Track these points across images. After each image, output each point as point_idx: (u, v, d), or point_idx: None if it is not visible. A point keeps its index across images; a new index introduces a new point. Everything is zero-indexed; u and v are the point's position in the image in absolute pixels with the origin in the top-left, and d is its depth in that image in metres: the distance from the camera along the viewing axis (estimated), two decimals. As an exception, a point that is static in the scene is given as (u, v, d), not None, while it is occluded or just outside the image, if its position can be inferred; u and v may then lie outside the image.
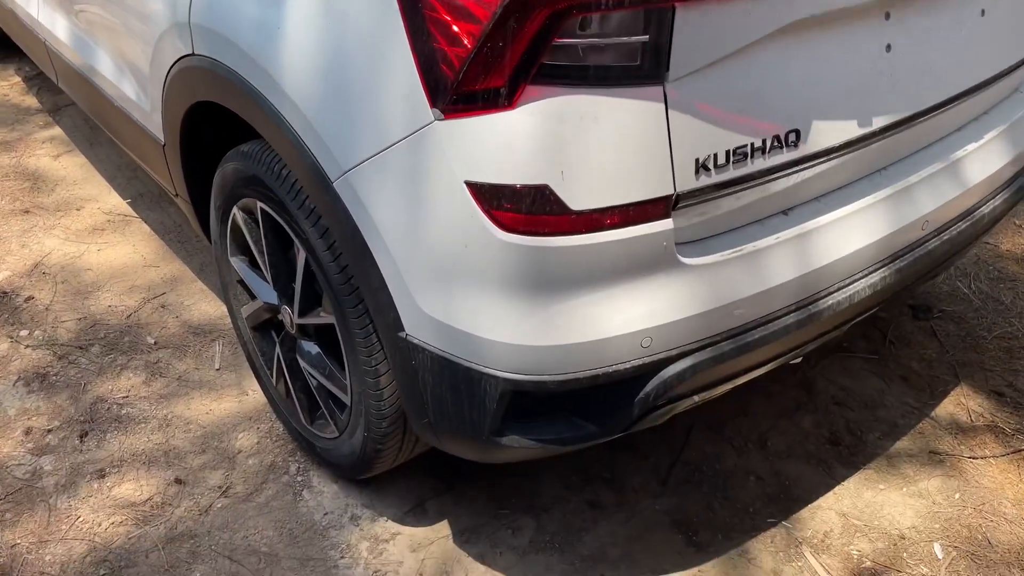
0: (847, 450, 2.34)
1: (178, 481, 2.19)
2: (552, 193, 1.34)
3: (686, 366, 1.56)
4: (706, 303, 1.54)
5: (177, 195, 2.38)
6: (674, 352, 1.54)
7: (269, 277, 2.05)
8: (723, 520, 2.14)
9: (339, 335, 1.82)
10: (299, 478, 2.21)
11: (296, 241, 1.82)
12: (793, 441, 2.36)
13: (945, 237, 1.90)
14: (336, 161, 1.52)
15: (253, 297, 2.19)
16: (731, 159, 1.45)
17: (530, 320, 1.44)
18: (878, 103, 1.62)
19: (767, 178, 1.53)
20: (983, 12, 1.77)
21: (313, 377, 2.05)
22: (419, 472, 2.22)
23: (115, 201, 3.25)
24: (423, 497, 2.17)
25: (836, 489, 2.23)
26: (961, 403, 2.50)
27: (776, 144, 1.50)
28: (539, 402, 1.60)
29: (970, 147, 1.93)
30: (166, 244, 3.03)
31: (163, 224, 3.13)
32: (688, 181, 1.42)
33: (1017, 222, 3.29)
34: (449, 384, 1.56)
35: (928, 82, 1.70)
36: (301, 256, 1.84)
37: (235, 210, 2.05)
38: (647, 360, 1.53)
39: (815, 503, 2.19)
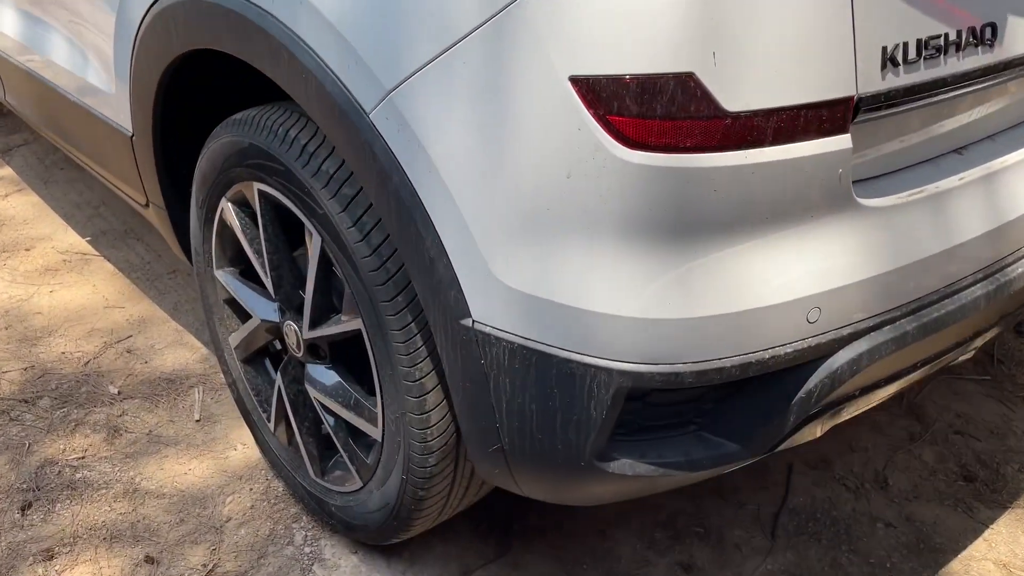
0: (985, 487, 1.89)
1: (149, 560, 1.68)
2: (699, 86, 0.93)
3: (861, 351, 1.13)
4: (888, 261, 1.12)
5: (148, 204, 1.94)
6: (847, 331, 1.12)
7: (270, 284, 1.59)
8: (857, 579, 1.67)
9: (368, 344, 1.36)
10: (307, 549, 1.71)
11: (308, 224, 1.38)
12: (918, 479, 1.91)
13: None
14: (377, 81, 1.09)
15: (245, 319, 1.73)
16: (923, 53, 1.06)
17: (659, 281, 1.01)
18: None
19: (957, 88, 1.14)
20: None
21: (328, 412, 1.58)
22: (460, 534, 1.74)
23: (72, 240, 2.78)
24: (469, 567, 1.68)
25: (985, 535, 1.78)
26: (1103, 425, 2.08)
27: (972, 39, 1.11)
28: (659, 411, 1.15)
29: None
30: (132, 283, 2.57)
31: (129, 262, 2.67)
32: (872, 80, 1.02)
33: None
34: (537, 388, 1.11)
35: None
36: (315, 243, 1.39)
37: (223, 204, 1.61)
38: (813, 342, 1.10)
39: (965, 553, 1.73)
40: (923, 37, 1.05)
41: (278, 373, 1.68)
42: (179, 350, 2.29)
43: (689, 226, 1.00)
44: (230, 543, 1.72)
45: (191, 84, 1.64)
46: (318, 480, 1.67)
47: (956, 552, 1.73)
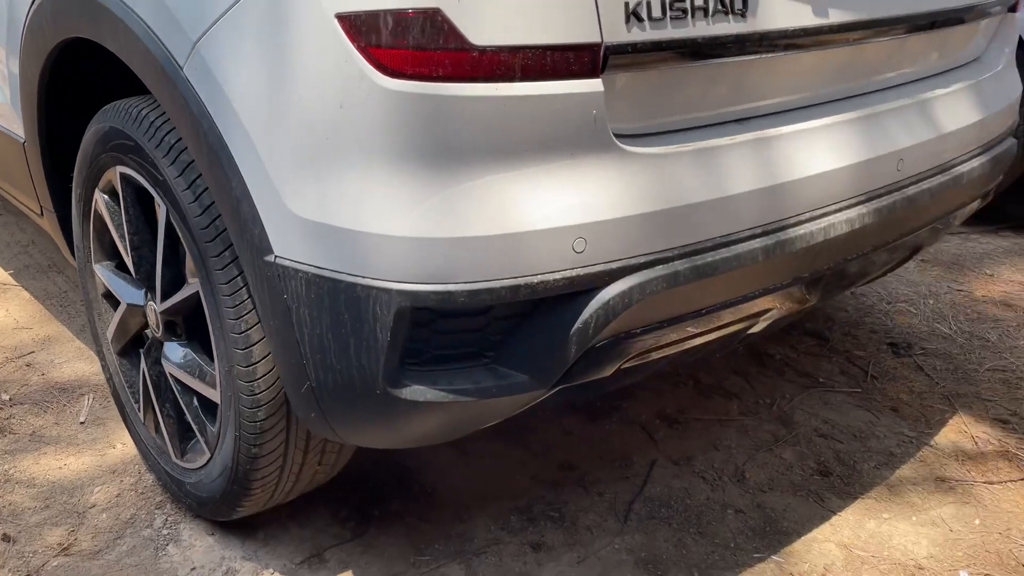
0: (840, 480, 1.95)
1: (5, 538, 1.70)
2: (446, 20, 1.06)
3: (632, 284, 1.22)
4: (653, 202, 1.23)
5: (42, 212, 2.05)
6: (616, 265, 1.22)
7: (131, 264, 1.69)
8: (700, 557, 1.71)
9: (204, 304, 1.45)
10: (165, 531, 1.74)
11: (155, 195, 1.49)
12: (775, 473, 1.97)
13: (925, 186, 1.64)
14: (185, 34, 1.23)
15: (117, 306, 1.82)
16: (668, 12, 1.20)
17: (427, 202, 1.12)
18: (833, -6, 1.40)
19: (714, 55, 1.27)
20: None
21: (182, 387, 1.65)
22: (317, 518, 1.78)
23: (-4, 273, 2.88)
24: (322, 546, 1.71)
25: (833, 520, 1.83)
26: (963, 431, 2.15)
27: (720, 7, 1.25)
28: (448, 339, 1.24)
29: (938, 92, 1.72)
30: (46, 308, 2.65)
31: (46, 291, 2.75)
32: (617, 30, 1.16)
33: (988, 272, 3.08)
34: (331, 316, 1.20)
35: (885, -12, 1.50)
36: (161, 213, 1.50)
37: (96, 196, 1.72)
38: (582, 272, 1.19)
39: (809, 535, 1.78)
40: (667, -2, 1.19)
41: (142, 356, 1.75)
42: (78, 363, 2.35)
43: (451, 151, 1.11)
44: (90, 526, 1.75)
45: (73, 85, 1.78)
46: (178, 462, 1.72)
47: (801, 535, 1.78)
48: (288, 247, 1.21)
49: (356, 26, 1.07)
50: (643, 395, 2.26)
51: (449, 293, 1.14)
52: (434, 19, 1.06)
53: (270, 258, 1.23)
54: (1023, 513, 1.86)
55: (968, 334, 2.64)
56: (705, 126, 1.36)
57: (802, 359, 2.47)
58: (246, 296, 1.36)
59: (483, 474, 1.94)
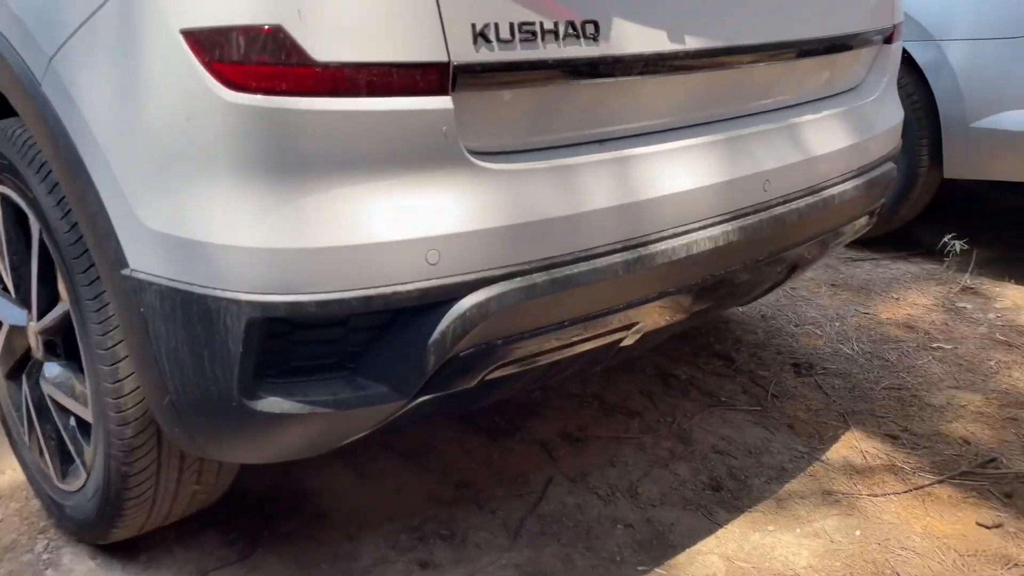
0: (730, 494, 1.99)
1: None
2: (288, 37, 1.09)
3: (489, 296, 1.25)
4: (509, 216, 1.27)
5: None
6: (471, 277, 1.25)
7: (11, 284, 1.68)
8: (584, 571, 1.73)
9: (74, 322, 1.45)
10: (45, 556, 1.71)
11: (29, 214, 1.49)
12: (668, 489, 2.00)
13: (793, 207, 1.70)
14: (41, 50, 1.25)
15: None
16: (517, 35, 1.24)
17: (276, 214, 1.14)
18: (686, 20, 1.46)
19: (567, 75, 1.32)
20: (796, -37, 1.70)
21: (59, 408, 1.64)
22: (204, 541, 1.76)
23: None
24: (206, 568, 1.70)
25: (718, 533, 1.86)
26: (854, 446, 2.21)
27: (571, 32, 1.30)
28: (306, 351, 1.25)
29: (806, 117, 1.79)
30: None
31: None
32: (465, 50, 1.20)
33: (894, 296, 3.18)
34: (185, 329, 1.21)
35: (739, 16, 1.56)
36: (35, 231, 1.50)
37: (-22, 218, 1.71)
38: (437, 283, 1.22)
39: (694, 548, 1.81)
40: (515, 21, 1.24)
41: (24, 378, 1.73)
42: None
43: (299, 164, 1.13)
44: (-34, 552, 1.72)
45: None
46: (59, 484, 1.70)
47: (686, 548, 1.81)
48: (142, 260, 1.22)
49: (201, 42, 1.10)
50: (547, 414, 2.28)
51: (300, 304, 1.16)
52: (276, 35, 1.09)
53: (126, 271, 1.24)
54: (903, 524, 1.91)
55: (869, 354, 2.72)
56: (565, 146, 1.40)
57: (707, 379, 2.52)
58: (111, 312, 1.36)
59: (379, 495, 1.94)
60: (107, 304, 1.36)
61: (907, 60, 3.26)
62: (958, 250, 3.27)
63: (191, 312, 1.19)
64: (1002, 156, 3.21)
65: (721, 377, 2.54)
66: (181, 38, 1.10)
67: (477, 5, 1.20)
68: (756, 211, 1.63)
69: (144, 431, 1.43)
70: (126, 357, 1.37)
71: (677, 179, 1.48)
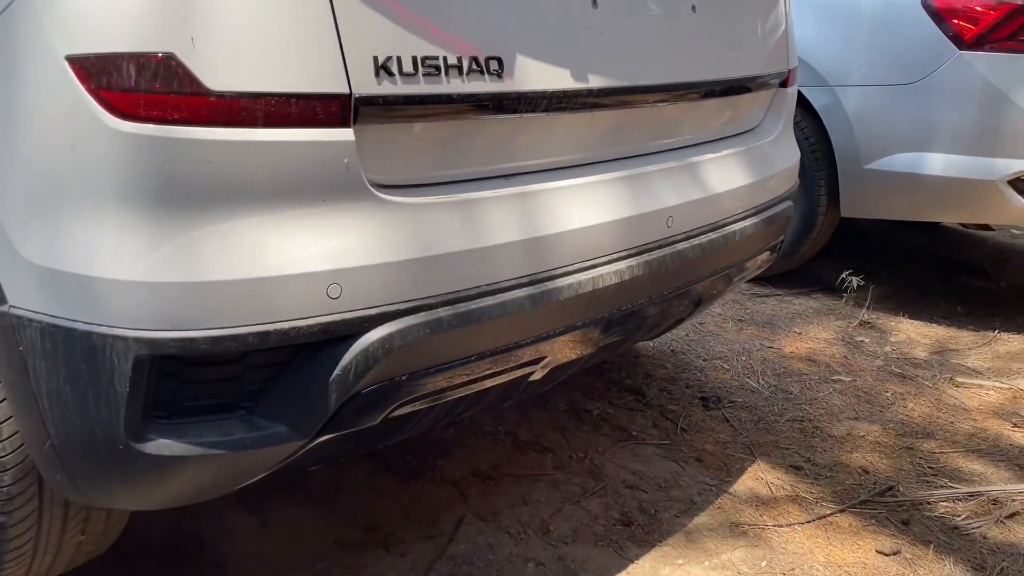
0: (640, 529, 1.99)
1: None
2: (180, 65, 1.06)
3: (392, 331, 1.23)
4: (413, 250, 1.25)
5: None
6: (374, 311, 1.22)
7: None
8: (494, 612, 1.70)
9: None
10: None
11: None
12: (580, 525, 1.99)
13: (695, 242, 1.74)
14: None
15: None
16: (420, 69, 1.24)
17: (166, 246, 1.09)
18: (589, 59, 1.49)
19: (471, 110, 1.33)
20: (694, 8, 1.76)
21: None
22: (92, 595, 1.66)
23: None
24: (92, 624, 1.60)
25: (629, 568, 1.86)
26: (760, 478, 2.25)
27: (475, 67, 1.31)
28: (199, 390, 1.20)
29: (707, 156, 1.85)
30: None
31: None
32: (367, 83, 1.19)
33: (797, 330, 3.28)
34: (67, 368, 1.14)
35: (641, 57, 1.61)
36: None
37: None
38: (339, 318, 1.19)
39: (606, 584, 1.80)
40: (418, 55, 1.24)
41: None
42: None
43: (189, 195, 1.10)
44: None
45: None
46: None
47: (597, 584, 1.80)
48: (22, 296, 1.15)
49: (87, 69, 1.06)
50: (459, 452, 2.25)
51: (190, 340, 1.11)
52: (168, 63, 1.06)
53: (3, 308, 1.17)
54: (807, 554, 1.95)
55: (774, 387, 2.79)
56: (470, 180, 1.40)
57: (618, 414, 2.54)
58: (-10, 353, 1.28)
59: (283, 540, 1.87)
60: (-15, 344, 1.28)
61: (805, 104, 3.41)
62: (855, 286, 3.40)
63: (74, 350, 1.13)
64: (894, 196, 3.37)
65: (632, 412, 2.56)
66: (66, 64, 1.06)
67: (380, 37, 1.20)
68: (660, 246, 1.66)
69: (24, 478, 1.34)
70: (3, 400, 1.29)
71: (582, 214, 1.50)
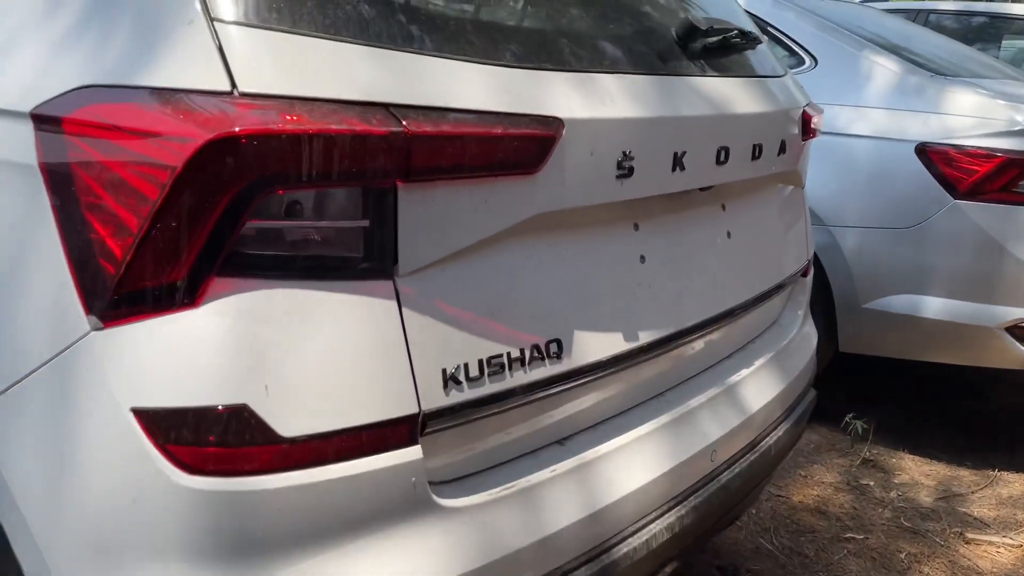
0: None
1: None
2: (254, 415, 1.02)
3: (456, 649, 1.17)
4: (476, 558, 1.20)
5: None
6: (437, 631, 1.17)
7: None
8: None
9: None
10: None
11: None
12: None
13: (737, 470, 1.72)
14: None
15: None
16: (486, 370, 1.21)
17: (229, 601, 1.03)
18: (643, 316, 1.48)
19: (532, 396, 1.29)
20: (729, 235, 1.76)
21: None
22: None
23: None
24: None
25: None
26: (790, 672, 2.20)
27: (537, 355, 1.28)
28: None
29: (743, 372, 1.83)
30: None
31: None
32: (435, 397, 1.15)
33: (802, 472, 3.26)
34: None
35: (685, 299, 1.60)
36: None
37: None
38: (404, 644, 1.13)
39: None
40: (484, 357, 1.21)
41: None
42: None
43: (259, 543, 1.04)
44: None
45: None
46: None
47: None
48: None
49: (155, 422, 1.01)
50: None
51: None
52: (240, 415, 1.01)
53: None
54: None
55: (789, 550, 2.75)
56: (525, 454, 1.36)
57: (637, 592, 2.48)
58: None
59: None
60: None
61: (802, 244, 3.44)
62: (860, 430, 3.40)
63: None
64: (892, 336, 3.40)
65: (651, 588, 2.50)
66: (131, 416, 1.01)
67: (447, 348, 1.17)
68: (705, 483, 1.63)
69: None
70: None
71: (636, 474, 1.46)
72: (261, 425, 1.02)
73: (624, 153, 1.32)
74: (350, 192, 1.07)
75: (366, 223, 1.08)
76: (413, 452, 1.13)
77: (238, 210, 1.00)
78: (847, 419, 3.43)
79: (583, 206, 1.31)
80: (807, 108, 1.94)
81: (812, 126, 1.97)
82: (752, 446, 1.80)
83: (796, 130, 1.88)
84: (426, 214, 1.12)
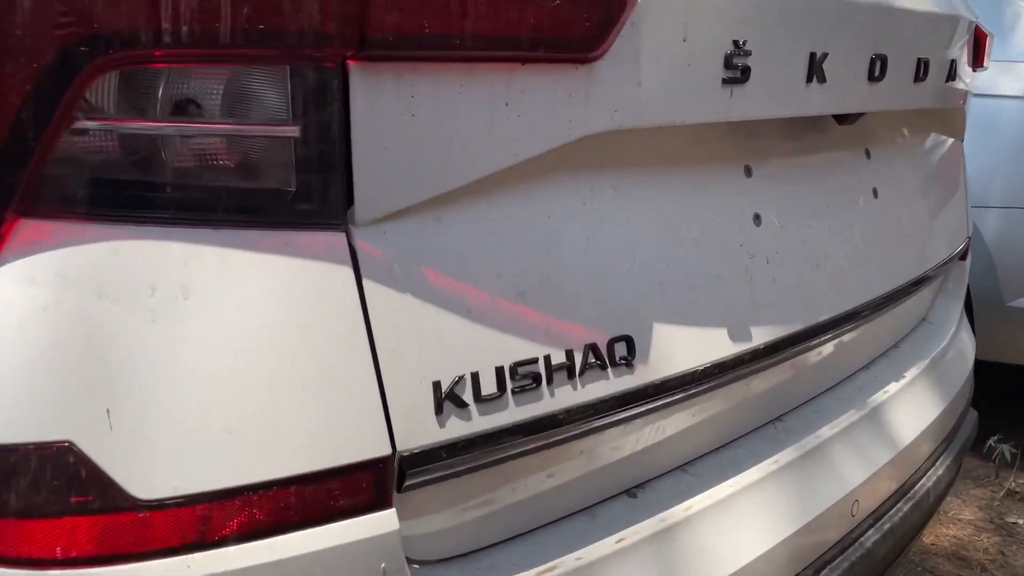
0: None
1: None
2: (84, 460, 0.58)
3: None
4: None
5: None
6: None
7: None
8: None
9: None
10: None
11: None
12: None
13: (886, 526, 1.21)
14: None
15: None
16: (510, 385, 0.74)
17: None
18: (755, 305, 0.99)
19: (585, 424, 0.83)
20: (876, 193, 1.25)
21: None
22: None
23: None
24: None
25: None
26: None
27: (593, 361, 0.81)
28: None
29: (890, 388, 1.32)
30: None
31: None
32: (421, 429, 0.69)
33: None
34: None
35: (817, 282, 1.11)
36: None
37: None
38: None
39: None
40: (505, 364, 0.74)
41: None
42: None
43: None
44: None
45: None
46: None
47: None
48: None
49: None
50: None
51: None
52: (60, 459, 0.57)
53: None
54: None
55: (928, 609, 2.21)
56: (575, 513, 0.89)
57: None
58: None
59: None
60: None
61: (931, 229, 2.88)
62: (1008, 456, 2.80)
63: None
64: (1045, 341, 2.81)
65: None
66: None
67: (443, 350, 0.71)
68: (842, 550, 1.13)
69: None
70: None
71: (744, 542, 0.98)
72: (98, 476, 0.58)
73: (736, 44, 0.84)
74: (264, 75, 0.62)
75: (294, 131, 0.63)
76: (383, 520, 0.68)
77: (56, 94, 0.57)
78: (990, 443, 2.83)
79: (668, 124, 0.83)
80: (979, 26, 1.42)
81: (984, 52, 1.44)
82: (904, 492, 1.29)
83: (967, 52, 1.36)
84: (400, 121, 0.66)
